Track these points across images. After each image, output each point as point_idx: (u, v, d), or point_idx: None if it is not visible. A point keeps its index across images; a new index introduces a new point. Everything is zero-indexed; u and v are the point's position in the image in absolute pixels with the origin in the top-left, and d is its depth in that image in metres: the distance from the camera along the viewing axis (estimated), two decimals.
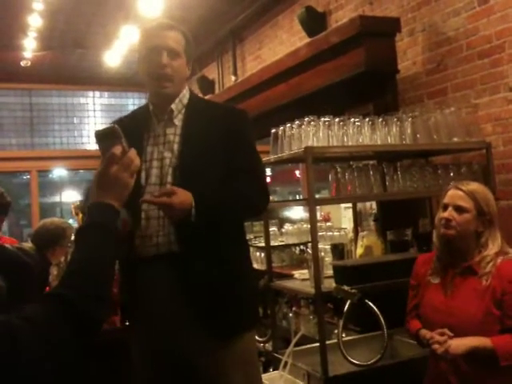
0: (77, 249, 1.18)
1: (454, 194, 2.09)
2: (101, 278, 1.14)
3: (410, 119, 2.93)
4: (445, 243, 2.11)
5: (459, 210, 2.05)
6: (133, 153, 1.28)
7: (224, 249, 1.90)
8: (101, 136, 1.29)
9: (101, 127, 1.32)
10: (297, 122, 2.74)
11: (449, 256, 2.12)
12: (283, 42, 5.40)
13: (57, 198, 11.06)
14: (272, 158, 2.85)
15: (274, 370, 2.95)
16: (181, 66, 1.95)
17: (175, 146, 1.92)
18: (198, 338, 1.84)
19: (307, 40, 4.46)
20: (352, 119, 2.79)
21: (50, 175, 10.60)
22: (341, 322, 2.50)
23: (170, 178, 1.89)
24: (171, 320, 1.83)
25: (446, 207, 2.10)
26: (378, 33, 3.52)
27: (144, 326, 1.91)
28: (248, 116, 2.11)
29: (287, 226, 4.57)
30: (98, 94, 9.13)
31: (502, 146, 3.12)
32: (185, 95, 2.02)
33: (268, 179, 8.44)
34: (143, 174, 1.89)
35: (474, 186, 2.12)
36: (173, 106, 1.97)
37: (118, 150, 1.25)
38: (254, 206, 2.00)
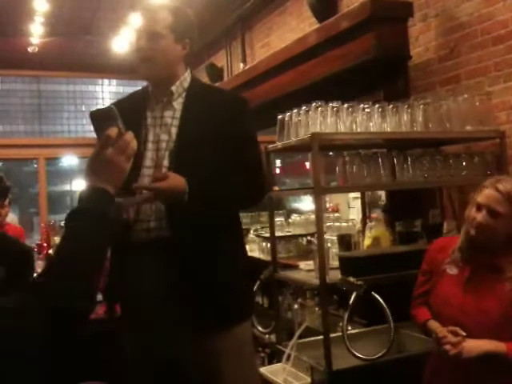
0: (65, 235, 1.12)
1: (491, 196, 1.90)
2: (88, 268, 1.07)
3: (421, 106, 2.84)
4: (472, 242, 1.97)
5: (494, 214, 1.89)
6: (129, 135, 1.21)
7: (217, 237, 1.84)
8: (96, 117, 1.23)
9: (97, 108, 1.25)
10: (304, 108, 2.66)
11: (473, 250, 1.98)
12: (292, 28, 5.29)
13: (67, 187, 11.05)
14: (278, 144, 2.78)
15: (277, 363, 2.89)
16: (165, 46, 1.89)
17: (173, 130, 1.88)
18: (189, 328, 1.78)
19: (317, 26, 4.36)
20: (361, 105, 2.70)
21: (60, 163, 10.59)
22: (346, 315, 2.43)
23: (165, 162, 1.85)
24: (162, 309, 1.77)
25: (479, 207, 1.93)
26: (389, 17, 3.41)
27: (134, 314, 1.85)
28: (249, 105, 2.06)
29: (294, 217, 4.50)
30: (106, 81, 9.08)
31: None
32: (186, 78, 1.98)
33: (277, 170, 8.35)
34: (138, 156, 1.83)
35: None
36: (173, 89, 1.93)
37: (113, 131, 1.18)
38: (248, 197, 1.96)
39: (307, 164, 7.75)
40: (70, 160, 9.99)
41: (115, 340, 1.84)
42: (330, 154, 3.09)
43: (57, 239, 4.75)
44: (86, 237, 1.09)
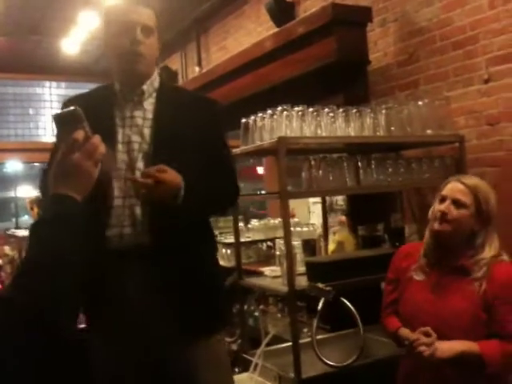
0: (31, 245, 1.04)
1: (455, 187, 1.93)
2: (57, 278, 0.99)
3: (383, 111, 2.85)
4: (436, 239, 1.97)
5: (457, 204, 1.90)
6: (97, 139, 1.13)
7: (195, 244, 1.77)
8: (60, 119, 1.15)
9: (60, 110, 1.17)
10: (269, 112, 2.61)
11: (438, 253, 1.98)
12: (250, 32, 5.26)
13: (11, 193, 10.67)
14: (240, 149, 2.72)
15: (241, 371, 2.83)
16: (153, 45, 1.83)
17: (145, 131, 1.79)
18: (169, 336, 1.70)
19: (275, 30, 4.34)
20: (326, 109, 2.68)
21: (4, 169, 10.21)
22: (314, 321, 2.39)
23: (140, 165, 1.76)
24: (139, 317, 1.68)
25: (443, 200, 1.94)
26: (349, 22, 3.43)
27: (108, 324, 1.74)
28: (220, 107, 2.01)
29: (254, 222, 4.45)
30: (54, 84, 8.82)
31: (475, 139, 3.07)
32: (156, 78, 1.89)
33: None
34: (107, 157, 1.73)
35: (477, 181, 1.97)
36: (144, 88, 1.84)
37: (79, 135, 1.10)
38: (228, 199, 1.92)
39: (258, 169, 7.75)
40: (13, 165, 9.64)
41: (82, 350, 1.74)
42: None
43: (6, 249, 4.53)
44: (52, 246, 1.02)
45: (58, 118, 1.15)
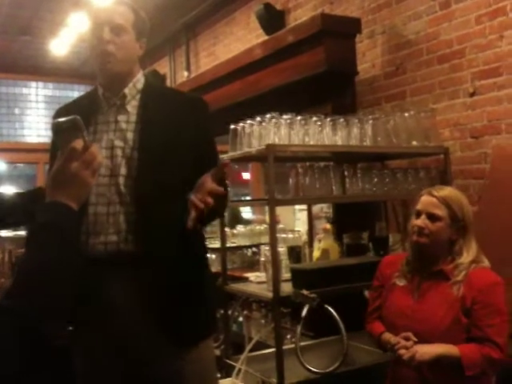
0: (27, 253, 1.05)
1: (428, 201, 2.02)
2: (54, 286, 1.00)
3: (370, 121, 2.89)
4: (416, 250, 2.06)
5: (432, 217, 1.99)
6: (95, 148, 1.14)
7: (183, 250, 1.75)
8: (60, 128, 1.15)
9: (60, 118, 1.17)
10: (258, 119, 2.64)
11: (419, 261, 2.06)
12: (239, 38, 5.29)
13: None
14: (228, 155, 2.73)
15: (224, 376, 2.84)
16: (127, 43, 1.78)
17: (129, 135, 1.75)
18: (155, 346, 1.69)
19: (264, 38, 4.38)
20: (314, 118, 2.71)
21: None
22: (299, 328, 2.41)
23: (123, 170, 1.72)
24: (125, 325, 1.68)
25: (419, 214, 2.03)
26: (338, 32, 3.47)
27: (93, 331, 1.74)
28: (208, 106, 1.97)
29: (239, 228, 4.47)
30: (41, 84, 8.75)
31: (459, 151, 3.12)
32: (139, 80, 1.85)
33: None
34: None
35: (448, 191, 2.06)
36: (126, 91, 1.80)
37: (78, 144, 1.11)
38: (223, 204, 1.90)
39: (243, 174, 7.75)
40: None
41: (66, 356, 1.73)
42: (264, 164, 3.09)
43: None
44: (49, 255, 1.03)
45: (56, 126, 1.16)
